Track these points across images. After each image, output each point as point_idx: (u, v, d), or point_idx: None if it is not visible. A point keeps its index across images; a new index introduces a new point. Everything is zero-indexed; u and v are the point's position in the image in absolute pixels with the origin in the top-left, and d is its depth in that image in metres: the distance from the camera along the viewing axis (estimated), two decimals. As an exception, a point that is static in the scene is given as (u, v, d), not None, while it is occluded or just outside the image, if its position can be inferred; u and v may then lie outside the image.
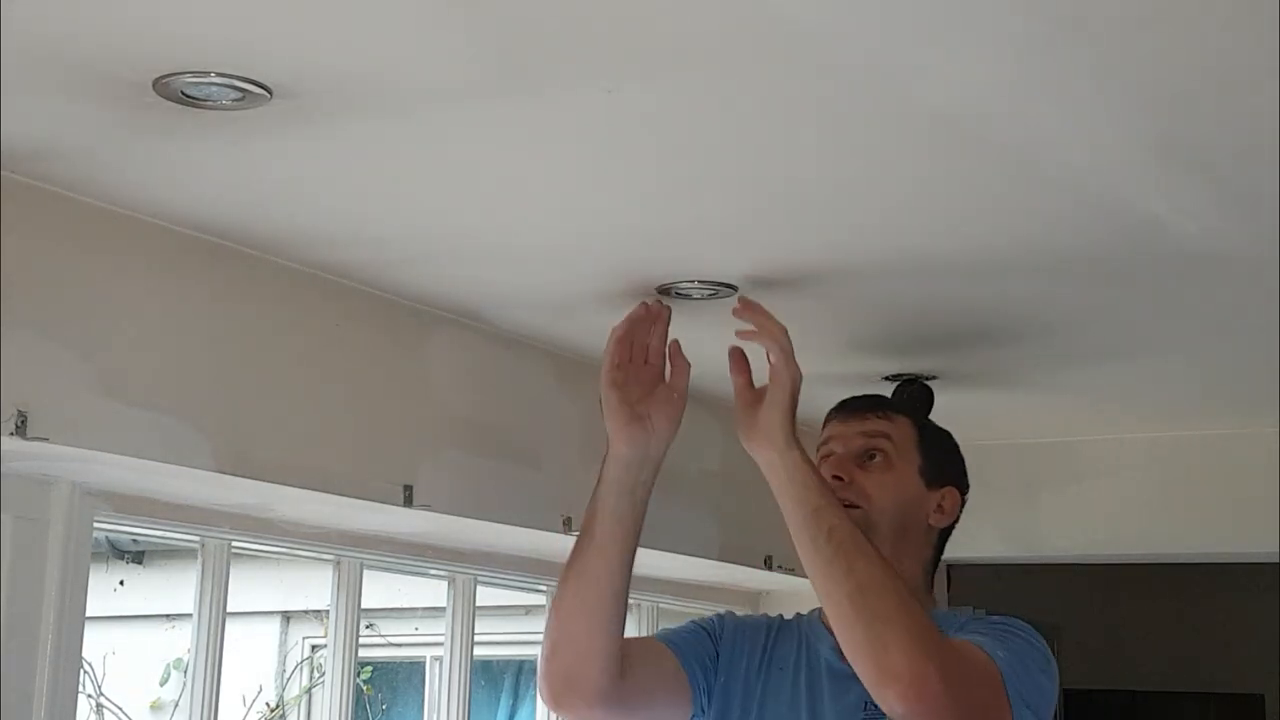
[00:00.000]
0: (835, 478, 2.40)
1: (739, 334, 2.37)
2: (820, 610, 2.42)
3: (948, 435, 2.62)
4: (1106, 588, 6.52)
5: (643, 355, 2.44)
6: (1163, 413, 3.68)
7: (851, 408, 2.52)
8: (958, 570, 4.47)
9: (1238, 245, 2.32)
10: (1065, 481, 3.95)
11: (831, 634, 2.27)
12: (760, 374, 2.40)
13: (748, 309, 2.36)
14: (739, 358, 2.40)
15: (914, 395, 3.23)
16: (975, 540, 4.01)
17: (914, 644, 2.05)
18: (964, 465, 2.59)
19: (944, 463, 2.54)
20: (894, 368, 3.17)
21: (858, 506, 2.36)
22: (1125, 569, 5.73)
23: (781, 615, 2.59)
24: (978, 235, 2.33)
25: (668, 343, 2.46)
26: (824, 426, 2.53)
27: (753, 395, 2.37)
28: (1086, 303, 2.70)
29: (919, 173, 2.06)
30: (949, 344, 3.01)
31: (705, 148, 1.99)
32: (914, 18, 1.59)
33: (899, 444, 2.48)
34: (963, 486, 2.55)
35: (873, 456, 2.46)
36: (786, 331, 2.35)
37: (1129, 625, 6.80)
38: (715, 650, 2.46)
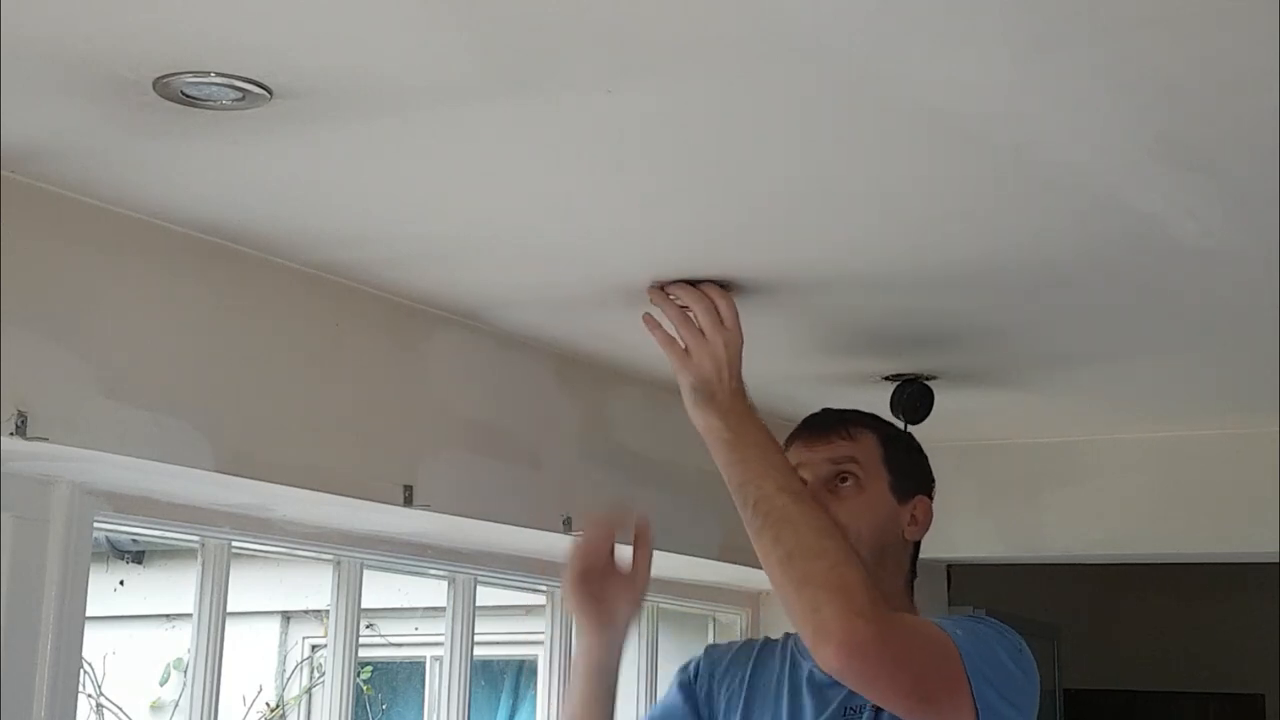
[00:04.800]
0: None
1: (647, 323, 2.47)
2: None
3: (910, 439, 2.61)
4: (1106, 588, 6.52)
5: (604, 559, 2.51)
6: (1163, 413, 3.68)
7: (815, 430, 2.48)
8: (958, 570, 4.47)
9: (1238, 245, 2.32)
10: (1065, 481, 3.95)
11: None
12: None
13: (657, 301, 2.46)
14: (652, 328, 2.46)
15: (913, 395, 3.23)
16: (975, 540, 4.04)
17: (844, 602, 2.05)
18: (928, 466, 2.56)
19: (911, 472, 2.51)
20: (894, 368, 3.18)
21: None
22: (1125, 569, 5.73)
23: (767, 636, 2.60)
24: (978, 235, 2.33)
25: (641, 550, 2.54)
26: (788, 446, 2.48)
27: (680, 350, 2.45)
28: (1086, 302, 2.70)
29: (919, 173, 2.06)
30: (949, 344, 3.01)
31: (705, 148, 1.99)
32: (913, 18, 1.59)
33: (866, 464, 2.45)
34: (930, 491, 2.53)
35: (844, 480, 2.43)
36: (709, 307, 2.40)
37: (1129, 625, 6.80)
38: (695, 702, 2.53)
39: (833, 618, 2.05)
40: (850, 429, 2.47)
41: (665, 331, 2.44)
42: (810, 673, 2.38)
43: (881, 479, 2.45)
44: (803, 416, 2.54)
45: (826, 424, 2.47)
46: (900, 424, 3.30)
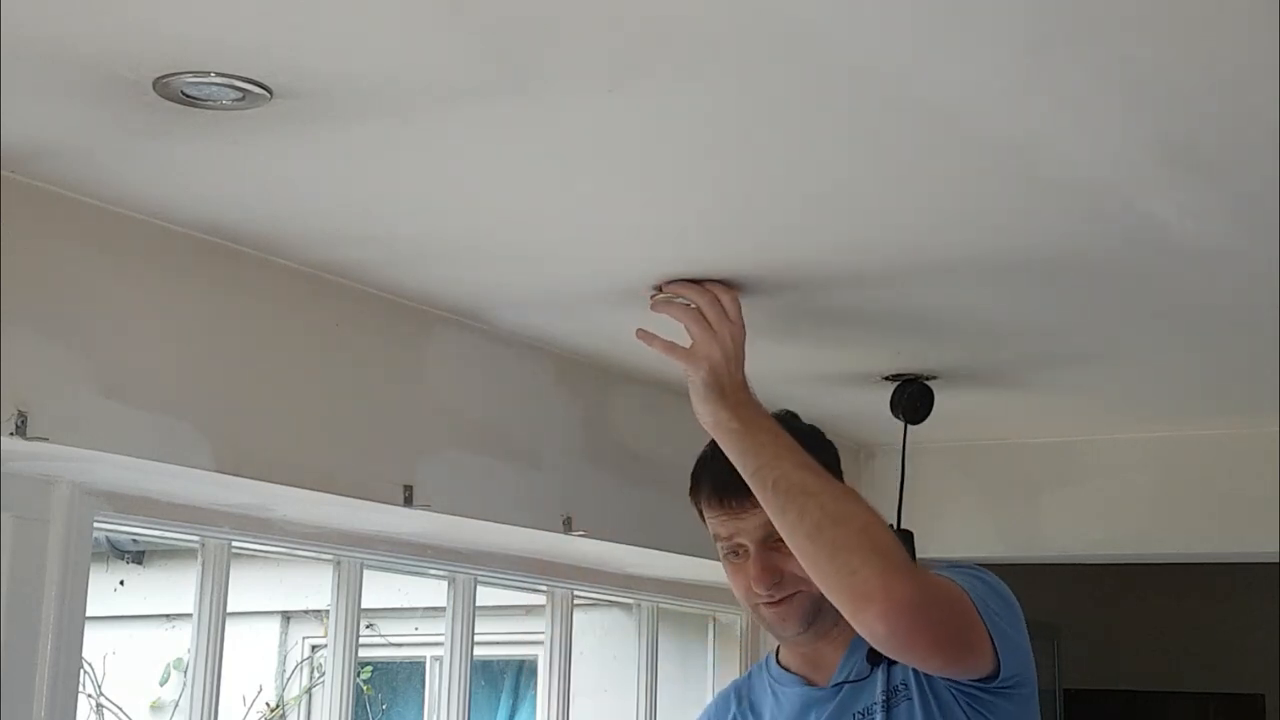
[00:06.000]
0: (769, 602, 2.31)
1: (642, 337, 2.43)
2: (772, 653, 2.42)
3: (817, 436, 2.43)
4: (1106, 588, 6.51)
5: None
6: (1163, 413, 3.68)
7: (737, 501, 2.29)
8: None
9: (1238, 245, 2.32)
10: (1065, 481, 3.95)
11: (790, 670, 2.34)
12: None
13: (659, 309, 2.41)
14: (649, 340, 2.44)
15: (913, 395, 3.22)
16: (975, 540, 4.04)
17: (880, 561, 2.03)
18: (837, 454, 2.44)
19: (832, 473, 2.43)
20: (894, 368, 3.18)
21: (799, 592, 2.30)
22: (1125, 569, 5.73)
23: (744, 674, 2.57)
24: (978, 235, 2.33)
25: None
26: (704, 508, 2.36)
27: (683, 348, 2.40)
28: (1086, 302, 2.70)
29: (919, 173, 2.06)
30: (949, 344, 3.01)
31: (705, 148, 1.99)
32: (914, 18, 1.59)
33: None
34: (840, 467, 2.43)
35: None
36: (713, 301, 2.38)
37: (1129, 625, 6.80)
38: None
39: (871, 578, 2.02)
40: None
41: (663, 340, 2.42)
42: (801, 694, 2.35)
43: None
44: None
45: (742, 488, 2.26)
46: (901, 423, 3.31)
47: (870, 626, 2.03)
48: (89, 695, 5.09)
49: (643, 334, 2.46)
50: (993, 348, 3.04)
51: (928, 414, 3.24)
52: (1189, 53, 1.66)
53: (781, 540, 2.24)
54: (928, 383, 3.24)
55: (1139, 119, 1.85)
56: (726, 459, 2.27)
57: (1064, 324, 2.85)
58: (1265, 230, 2.22)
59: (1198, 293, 2.60)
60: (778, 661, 2.41)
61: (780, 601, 2.28)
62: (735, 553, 2.33)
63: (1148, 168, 2.02)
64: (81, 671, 2.43)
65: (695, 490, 2.38)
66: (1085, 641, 6.57)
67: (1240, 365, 3.13)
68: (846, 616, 2.08)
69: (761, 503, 2.19)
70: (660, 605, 4.00)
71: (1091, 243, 2.33)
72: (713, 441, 2.34)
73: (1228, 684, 6.74)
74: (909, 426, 3.29)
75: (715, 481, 2.33)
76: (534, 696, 4.17)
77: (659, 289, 2.47)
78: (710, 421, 2.30)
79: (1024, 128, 1.89)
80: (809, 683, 2.33)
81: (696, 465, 2.40)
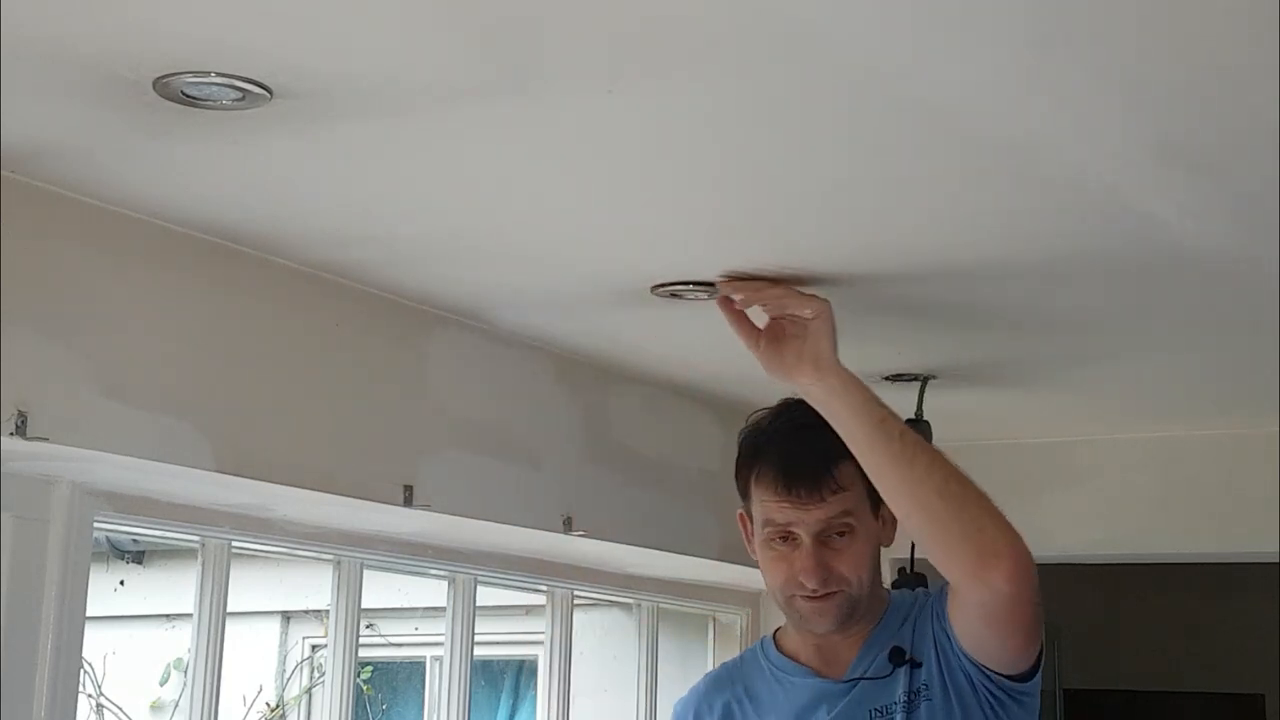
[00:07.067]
0: (810, 596, 2.27)
1: (733, 312, 2.36)
2: (769, 639, 2.37)
3: (826, 430, 2.33)
4: (1106, 588, 6.51)
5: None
6: (1163, 413, 3.68)
7: (804, 485, 2.21)
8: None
9: (1238, 245, 2.32)
10: (1065, 481, 3.95)
11: (798, 661, 2.30)
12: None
13: (732, 289, 2.35)
14: (730, 308, 2.37)
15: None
16: (975, 540, 4.03)
17: (1006, 523, 2.06)
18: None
19: None
20: (894, 368, 3.18)
21: (841, 591, 2.27)
22: (1125, 569, 5.72)
23: (732, 659, 2.49)
24: (978, 235, 2.33)
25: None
26: (760, 490, 2.26)
27: (769, 334, 2.31)
28: (1086, 302, 2.70)
29: (919, 173, 2.06)
30: (948, 344, 3.01)
31: (705, 148, 1.99)
32: (914, 18, 1.59)
33: (858, 508, 2.25)
34: None
35: (841, 534, 2.24)
36: (779, 285, 2.33)
37: (1129, 625, 6.79)
38: None
39: (999, 536, 2.03)
40: (837, 476, 2.22)
41: (775, 285, 2.34)
42: (814, 685, 2.32)
43: (867, 510, 2.27)
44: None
45: (816, 478, 2.21)
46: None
47: (994, 584, 2.04)
48: (89, 695, 5.09)
49: (724, 302, 2.38)
50: (993, 348, 3.04)
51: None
52: (1189, 53, 1.66)
53: (836, 535, 2.21)
54: (928, 382, 3.24)
55: (1139, 119, 1.85)
56: (799, 439, 2.21)
57: (1064, 323, 2.85)
58: (1265, 230, 2.22)
59: (1198, 293, 2.60)
60: (779, 649, 2.38)
61: (823, 597, 2.25)
62: (784, 539, 2.24)
63: (1148, 168, 2.02)
64: (81, 671, 2.43)
65: (753, 468, 2.25)
66: (1085, 641, 6.56)
67: (1240, 365, 3.13)
68: (962, 572, 2.08)
69: (882, 454, 2.12)
70: (660, 605, 4.00)
71: (1091, 243, 2.33)
72: (775, 417, 2.27)
73: (1228, 684, 6.73)
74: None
75: (787, 466, 2.21)
76: (534, 696, 4.17)
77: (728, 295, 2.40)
78: (833, 366, 2.20)
79: (1024, 128, 1.89)
80: (819, 675, 2.30)
81: (755, 440, 2.27)
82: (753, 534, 2.29)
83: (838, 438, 2.20)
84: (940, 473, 2.11)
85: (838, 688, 2.27)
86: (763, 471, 2.25)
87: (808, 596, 2.23)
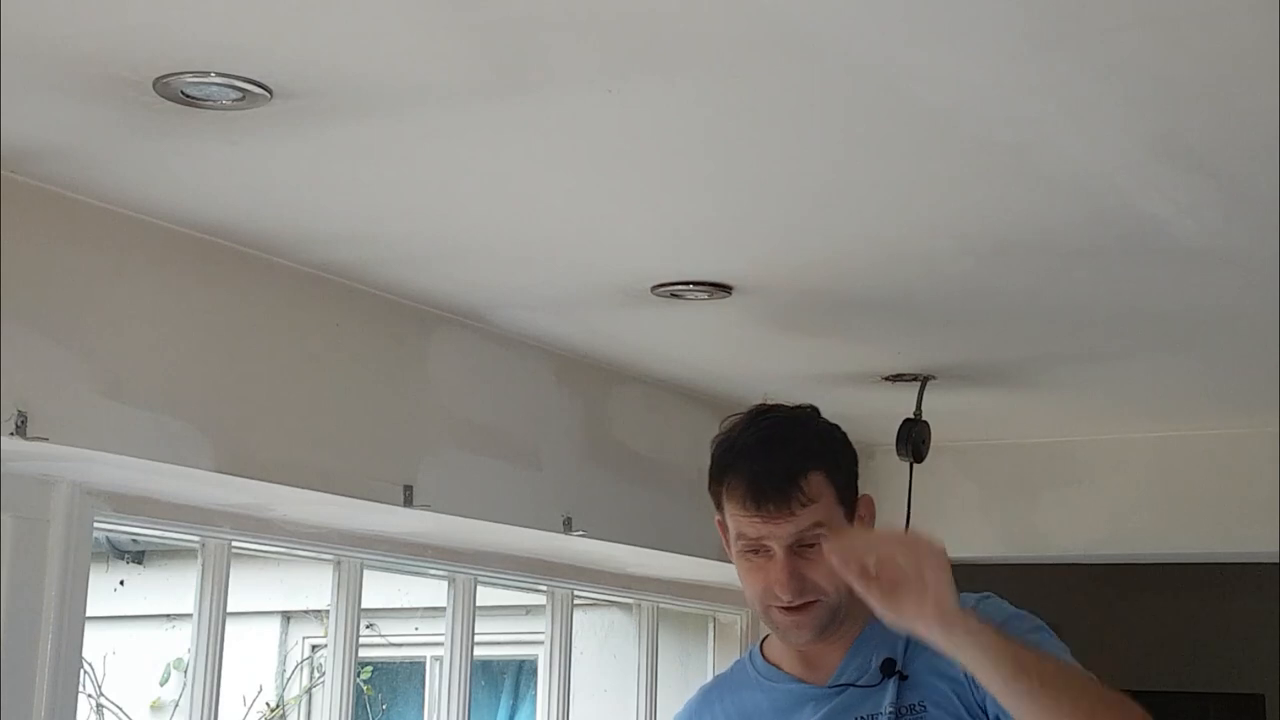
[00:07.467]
0: (786, 608, 2.24)
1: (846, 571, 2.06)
2: (756, 648, 2.37)
3: (843, 439, 2.30)
4: (1106, 588, 6.51)
5: None
6: (1163, 413, 3.68)
7: (772, 499, 2.16)
8: (957, 570, 4.46)
9: (1237, 244, 2.32)
10: (1065, 481, 3.95)
11: (780, 668, 2.25)
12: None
13: (841, 542, 2.08)
14: (847, 565, 2.05)
15: (919, 433, 3.17)
16: (975, 540, 4.04)
17: None
18: (856, 456, 2.28)
19: (851, 482, 2.27)
20: (893, 367, 3.18)
21: (818, 600, 2.24)
22: (1125, 569, 5.72)
23: (726, 669, 2.47)
24: (977, 235, 2.33)
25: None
26: (728, 501, 2.20)
27: (885, 588, 2.03)
28: (1086, 302, 2.70)
29: (919, 172, 2.06)
30: (949, 344, 3.01)
31: (704, 148, 1.99)
32: (913, 18, 1.59)
33: (829, 516, 2.19)
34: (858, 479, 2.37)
35: (811, 545, 2.16)
36: (890, 534, 2.13)
37: (1129, 625, 6.79)
38: None
39: None
40: (805, 489, 2.16)
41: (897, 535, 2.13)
42: (797, 691, 2.32)
43: (841, 517, 2.21)
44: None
45: (784, 494, 2.15)
46: (907, 463, 3.30)
47: None
48: (89, 695, 5.09)
49: (860, 574, 2.15)
50: (993, 348, 3.04)
51: (928, 450, 3.27)
52: (1189, 52, 1.66)
53: (808, 549, 2.18)
54: (928, 381, 3.24)
55: (1138, 118, 1.85)
56: (766, 453, 2.15)
57: (1064, 323, 2.85)
58: (1265, 230, 2.22)
59: (1198, 293, 2.60)
60: (764, 657, 2.38)
61: (800, 609, 2.23)
62: (756, 551, 2.20)
63: (1147, 167, 2.02)
64: (81, 671, 2.43)
65: (723, 482, 2.21)
66: (1085, 641, 6.55)
67: (1240, 365, 3.13)
68: None
69: (1025, 700, 2.00)
70: (660, 605, 3.99)
71: (1091, 243, 2.33)
72: (744, 428, 2.19)
73: (1228, 684, 6.73)
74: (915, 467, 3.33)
75: (756, 483, 2.17)
76: (534, 696, 4.17)
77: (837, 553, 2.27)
78: (960, 618, 2.01)
79: (1024, 128, 1.89)
80: (804, 681, 2.30)
81: (724, 454, 2.21)
82: (730, 543, 2.29)
83: (808, 446, 2.18)
84: (1087, 701, 2.06)
85: (823, 693, 2.26)
86: (732, 486, 2.20)
87: (784, 608, 2.21)
